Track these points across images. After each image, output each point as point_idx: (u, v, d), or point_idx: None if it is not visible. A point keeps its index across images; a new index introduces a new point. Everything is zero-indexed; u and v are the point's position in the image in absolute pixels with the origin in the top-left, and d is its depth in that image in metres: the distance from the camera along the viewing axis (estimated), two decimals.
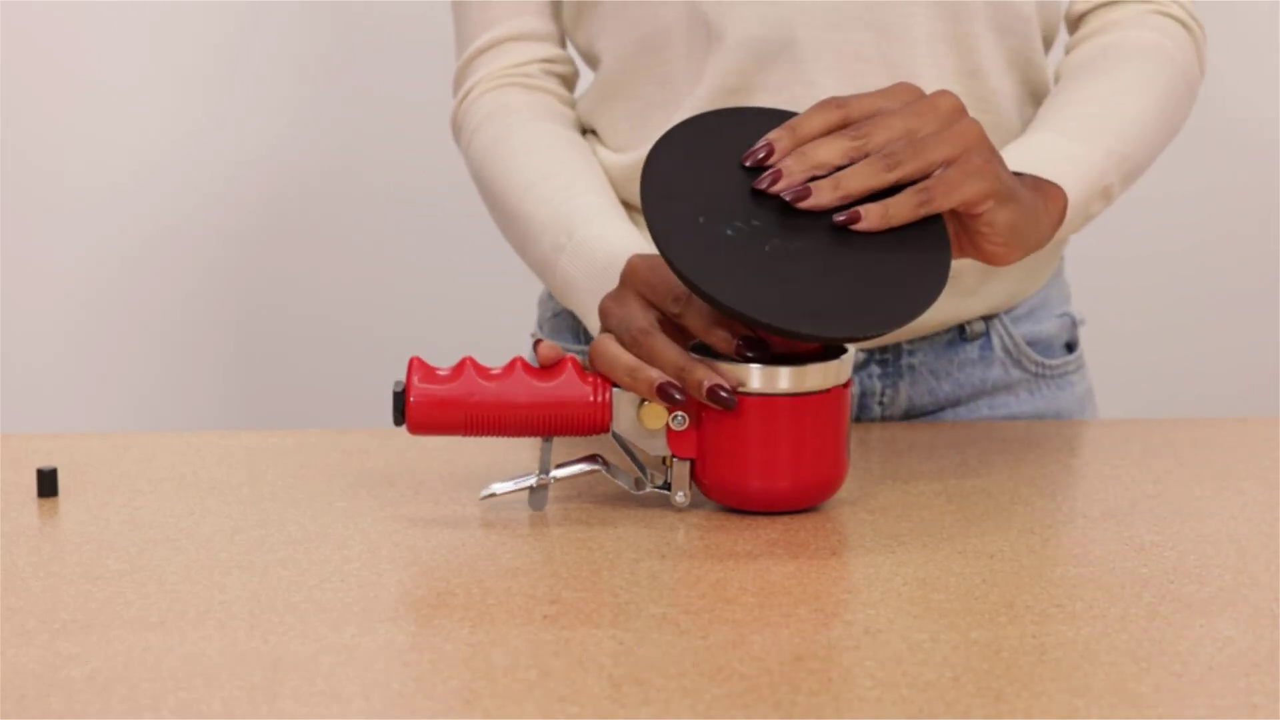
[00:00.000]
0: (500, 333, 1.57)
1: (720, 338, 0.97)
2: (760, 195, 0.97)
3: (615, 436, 1.00)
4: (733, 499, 1.00)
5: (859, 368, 1.23)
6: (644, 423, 0.98)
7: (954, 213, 1.00)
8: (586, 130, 1.27)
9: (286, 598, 0.87)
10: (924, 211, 0.97)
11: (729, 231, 0.96)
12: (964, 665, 0.79)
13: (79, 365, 1.94)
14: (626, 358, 0.98)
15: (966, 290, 1.22)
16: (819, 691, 0.76)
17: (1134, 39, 1.20)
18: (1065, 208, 1.08)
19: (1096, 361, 1.36)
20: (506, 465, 1.08)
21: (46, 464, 1.06)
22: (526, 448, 1.11)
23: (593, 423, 0.98)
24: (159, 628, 0.83)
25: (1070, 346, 1.31)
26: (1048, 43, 1.24)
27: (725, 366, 0.97)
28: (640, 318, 0.99)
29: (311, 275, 1.94)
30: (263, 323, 1.95)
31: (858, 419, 1.25)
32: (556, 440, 1.01)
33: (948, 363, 1.25)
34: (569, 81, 1.29)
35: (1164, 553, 0.94)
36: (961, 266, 1.20)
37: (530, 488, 1.00)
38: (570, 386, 0.98)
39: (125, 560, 0.93)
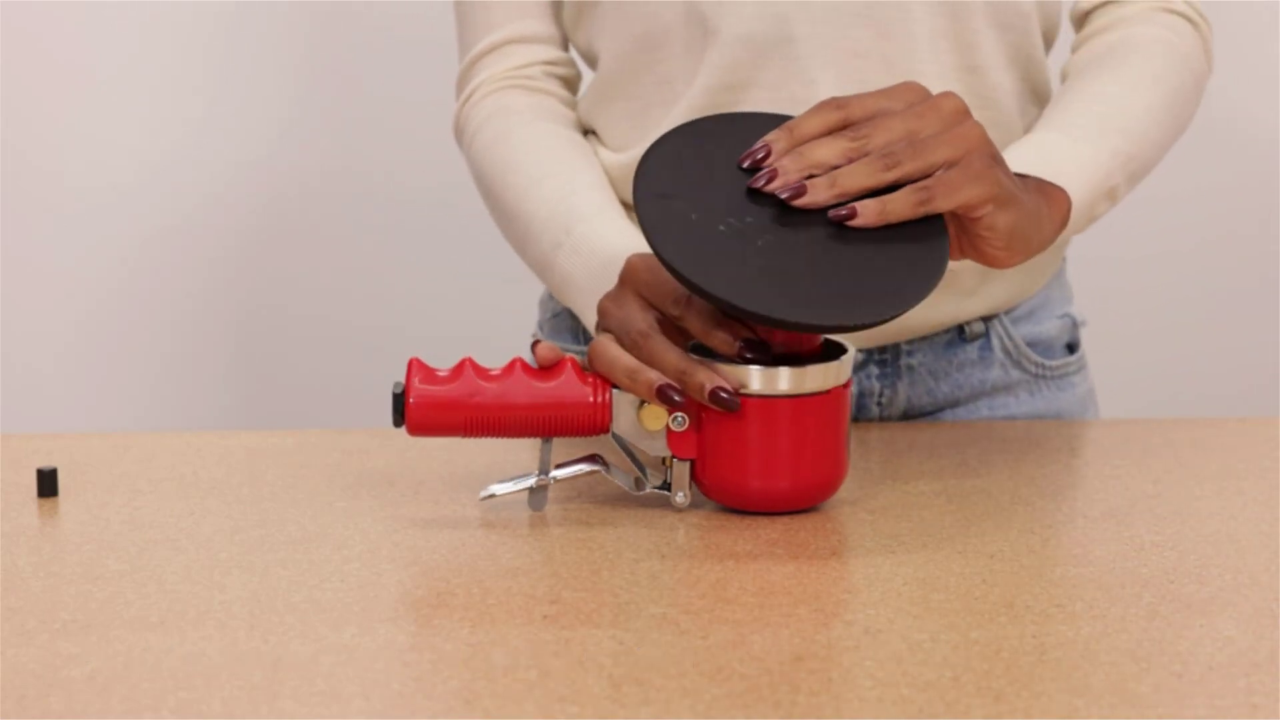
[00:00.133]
0: (500, 333, 1.57)
1: (721, 339, 0.97)
2: (756, 196, 0.97)
3: (615, 437, 1.00)
4: (733, 499, 1.00)
5: (857, 368, 1.23)
6: (644, 424, 0.98)
7: (954, 216, 0.99)
8: (587, 131, 1.27)
9: (286, 598, 0.87)
10: (922, 211, 0.96)
11: (721, 228, 0.95)
12: (964, 665, 0.79)
13: (79, 365, 1.94)
14: (626, 359, 0.98)
15: (966, 291, 1.22)
16: (819, 691, 0.76)
17: (1140, 35, 1.20)
18: (1069, 210, 1.07)
19: (1096, 361, 1.36)
20: (506, 465, 1.08)
21: (46, 464, 1.06)
22: (526, 448, 1.11)
23: (592, 424, 0.98)
24: (159, 628, 0.83)
25: (1071, 347, 1.31)
26: (1048, 40, 1.24)
27: (724, 368, 0.97)
28: (639, 319, 0.99)
29: (311, 275, 1.94)
30: (263, 323, 1.95)
31: (855, 419, 1.24)
32: (556, 440, 1.01)
33: (947, 363, 1.25)
34: (571, 84, 1.29)
35: (1164, 553, 0.94)
36: (961, 267, 1.20)
37: (530, 488, 1.00)
38: (570, 387, 0.98)
39: (125, 560, 0.93)
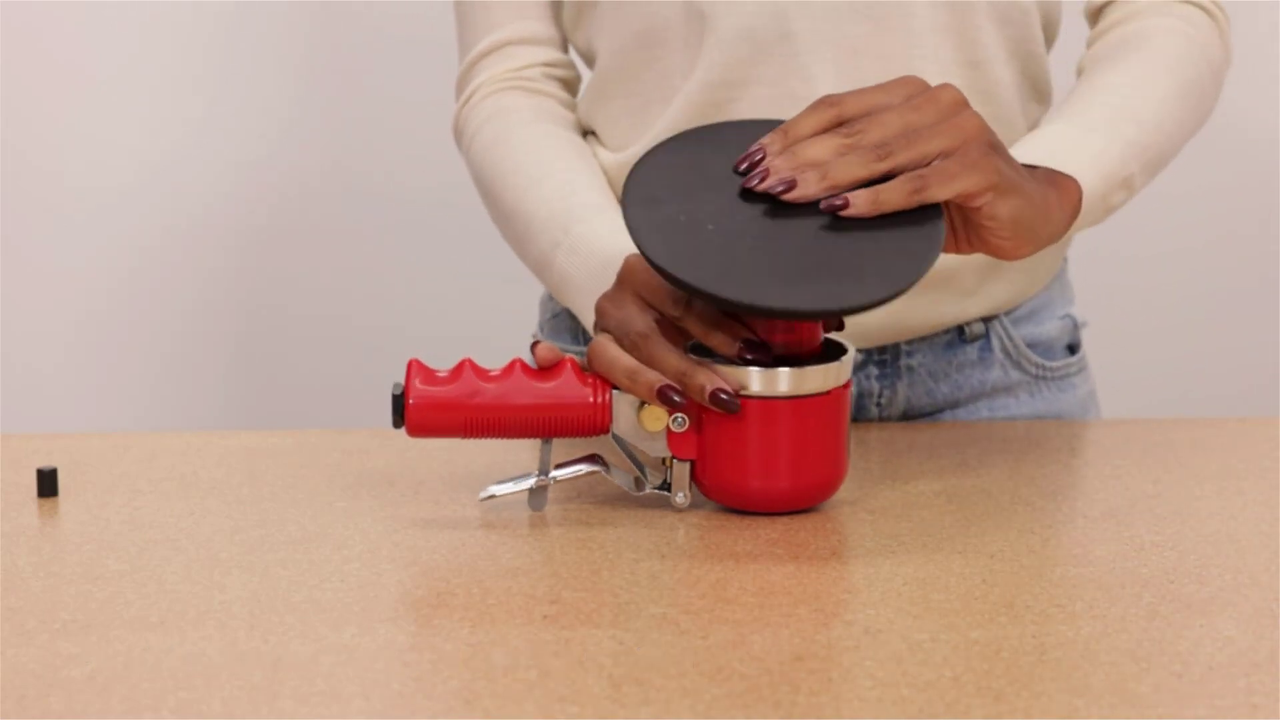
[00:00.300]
0: (500, 333, 1.57)
1: (721, 340, 0.97)
2: (748, 200, 0.96)
3: (615, 438, 1.00)
4: (733, 500, 1.00)
5: (857, 368, 1.23)
6: (644, 424, 0.98)
7: (959, 209, 0.99)
8: (586, 132, 1.27)
9: (286, 598, 0.87)
10: (917, 200, 0.95)
11: (710, 227, 0.95)
12: (964, 665, 0.79)
13: (79, 365, 1.94)
14: (625, 360, 0.97)
15: (966, 291, 1.22)
16: (819, 691, 0.76)
17: (1153, 27, 1.19)
18: (1080, 199, 1.06)
19: (1096, 361, 1.35)
20: (506, 466, 1.07)
21: (46, 464, 1.06)
22: (526, 448, 1.11)
23: (592, 424, 0.98)
24: (159, 628, 0.83)
25: (1072, 348, 1.31)
26: (1049, 35, 1.24)
27: (724, 369, 0.96)
28: (639, 320, 0.99)
29: (311, 275, 1.94)
30: (263, 323, 1.95)
31: (854, 420, 1.24)
32: (556, 441, 1.01)
33: (946, 364, 1.25)
34: (571, 86, 1.29)
35: (1164, 553, 0.94)
36: (961, 266, 1.19)
37: (530, 488, 1.00)
38: (570, 388, 0.98)
39: (125, 560, 0.93)
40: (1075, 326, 1.31)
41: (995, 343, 1.25)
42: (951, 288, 1.20)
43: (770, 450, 0.97)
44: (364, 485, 1.05)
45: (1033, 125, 1.24)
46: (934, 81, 1.00)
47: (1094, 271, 1.58)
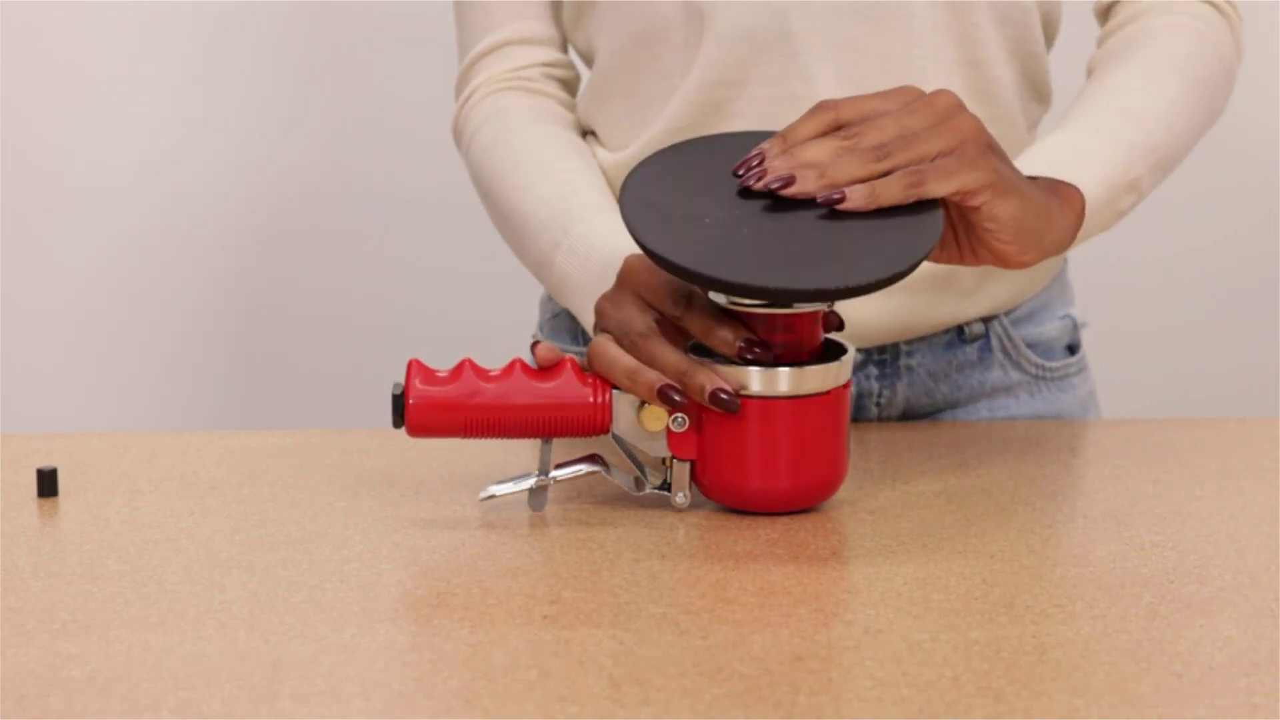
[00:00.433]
0: (500, 333, 1.57)
1: (721, 340, 0.97)
2: (744, 197, 0.96)
3: (615, 438, 1.00)
4: (733, 500, 1.00)
5: (857, 368, 1.23)
6: (644, 424, 0.98)
7: (960, 215, 0.99)
8: (585, 132, 1.27)
9: (286, 598, 0.87)
10: (914, 194, 0.95)
11: (707, 220, 0.95)
12: (964, 665, 0.79)
13: (79, 365, 1.94)
14: (625, 360, 0.98)
15: (965, 291, 1.22)
16: (819, 691, 0.76)
17: (1161, 25, 1.19)
18: (1083, 207, 1.06)
19: (1096, 362, 1.35)
20: (506, 466, 1.08)
21: (46, 464, 1.06)
22: (526, 448, 1.11)
23: (592, 424, 0.98)
24: (159, 628, 0.83)
25: (1072, 349, 1.31)
26: (1049, 35, 1.24)
27: (724, 369, 0.96)
28: (638, 320, 0.99)
29: (311, 275, 1.94)
30: (263, 323, 1.95)
31: (854, 420, 1.24)
32: (556, 440, 1.01)
33: (946, 364, 1.25)
34: (570, 86, 1.29)
35: (1164, 553, 0.94)
36: (961, 267, 1.19)
37: (530, 488, 1.00)
38: (570, 388, 0.98)
39: (125, 560, 0.93)
40: (1075, 327, 1.31)
41: (995, 343, 1.25)
42: (951, 288, 1.20)
43: (770, 450, 0.97)
44: (364, 485, 1.05)
45: (1032, 125, 1.24)
46: (933, 81, 1.00)
47: (1094, 272, 1.58)
